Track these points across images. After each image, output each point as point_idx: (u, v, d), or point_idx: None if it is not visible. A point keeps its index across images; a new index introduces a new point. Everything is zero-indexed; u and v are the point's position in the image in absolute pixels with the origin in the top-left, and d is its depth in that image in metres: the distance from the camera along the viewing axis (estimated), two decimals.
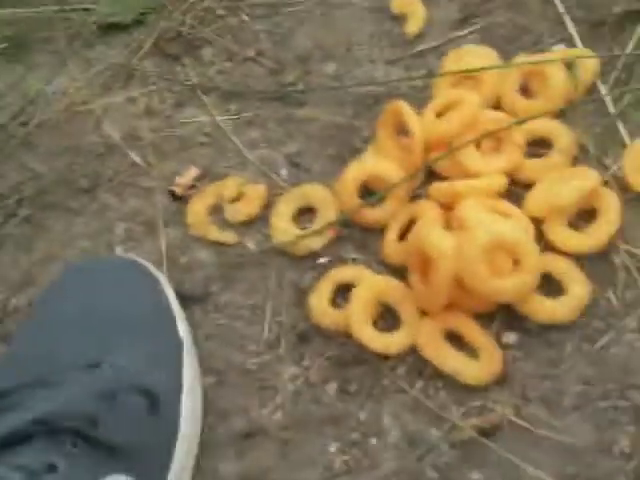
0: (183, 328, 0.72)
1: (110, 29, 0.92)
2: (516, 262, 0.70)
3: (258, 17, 0.91)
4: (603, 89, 0.77)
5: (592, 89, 0.78)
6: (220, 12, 0.92)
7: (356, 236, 0.78)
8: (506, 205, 0.73)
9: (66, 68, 0.90)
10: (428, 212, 0.74)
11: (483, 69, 0.79)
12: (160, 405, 0.62)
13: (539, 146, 0.76)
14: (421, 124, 0.77)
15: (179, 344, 0.70)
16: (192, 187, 0.82)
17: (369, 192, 0.78)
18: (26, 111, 0.88)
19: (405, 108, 0.77)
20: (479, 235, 0.69)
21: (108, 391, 0.61)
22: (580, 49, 0.79)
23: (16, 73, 0.91)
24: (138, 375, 0.63)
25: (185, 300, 0.76)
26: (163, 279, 0.73)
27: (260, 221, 0.80)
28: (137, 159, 0.84)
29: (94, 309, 0.68)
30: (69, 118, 0.87)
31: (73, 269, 0.72)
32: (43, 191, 0.83)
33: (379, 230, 0.77)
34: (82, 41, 0.92)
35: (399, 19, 0.87)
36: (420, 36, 0.86)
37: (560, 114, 0.77)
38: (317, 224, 0.78)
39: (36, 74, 0.90)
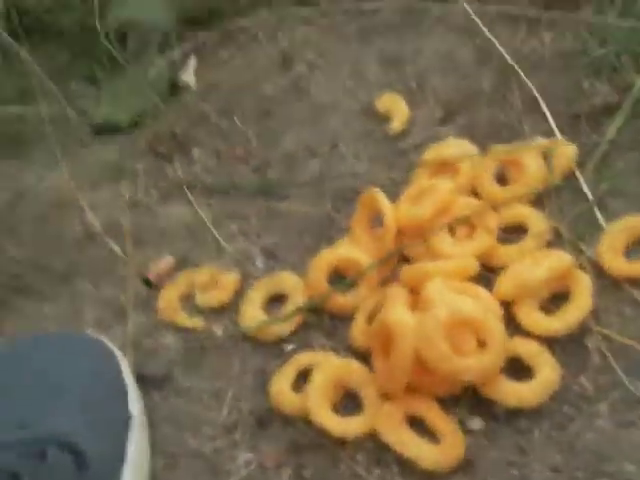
0: (135, 406, 0.69)
1: (106, 130, 0.94)
2: (481, 343, 0.67)
3: (249, 120, 0.93)
4: (580, 177, 0.76)
5: (569, 177, 0.77)
6: (213, 116, 0.94)
7: (325, 323, 0.75)
8: (474, 287, 0.70)
9: (59, 165, 0.92)
10: (396, 295, 0.72)
11: (459, 159, 0.78)
12: (89, 465, 0.59)
13: (514, 232, 0.74)
14: (395, 211, 0.76)
15: (126, 419, 0.67)
16: (166, 275, 0.82)
17: (341, 279, 0.76)
18: (15, 203, 0.89)
19: (379, 195, 0.77)
20: (440, 311, 0.66)
21: (35, 449, 0.59)
22: (558, 139, 0.78)
23: (11, 168, 0.92)
24: (70, 435, 0.60)
25: (145, 382, 0.74)
26: (120, 356, 0.71)
27: (231, 308, 0.78)
28: (116, 248, 0.83)
29: (38, 375, 0.66)
30: (55, 210, 0.88)
31: (26, 339, 0.71)
32: (19, 275, 0.83)
33: (349, 318, 0.75)
34: (78, 140, 0.94)
35: (384, 118, 0.88)
36: (403, 134, 0.86)
37: (537, 201, 0.76)
38: (286, 311, 0.76)
39: (30, 170, 0.92)
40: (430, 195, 0.75)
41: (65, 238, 0.85)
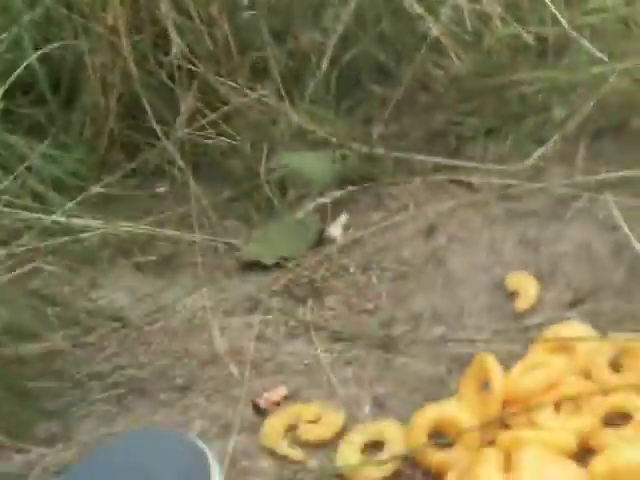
0: None
1: (250, 266, 1.00)
2: None
3: (385, 279, 0.96)
4: None
5: None
6: (352, 269, 0.98)
7: (418, 478, 0.76)
8: (568, 462, 0.70)
9: (200, 291, 0.97)
10: (490, 457, 0.72)
11: (576, 339, 0.79)
12: None
13: (619, 419, 0.74)
14: (505, 379, 0.77)
15: None
16: (277, 405, 0.84)
17: (442, 437, 0.77)
18: (152, 316, 0.95)
19: (491, 360, 0.78)
20: (527, 477, 0.66)
21: None
22: None
23: (157, 285, 0.99)
24: None
25: None
26: (213, 464, 0.74)
27: (330, 447, 0.80)
28: (234, 371, 0.87)
29: (134, 470, 0.69)
30: (187, 329, 0.93)
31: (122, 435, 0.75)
32: (142, 379, 0.87)
33: (442, 475, 0.75)
34: (222, 271, 1.00)
35: (513, 296, 0.90)
36: (529, 313, 0.88)
37: None
38: (382, 456, 0.78)
39: (173, 289, 0.98)
40: (542, 369, 0.77)
41: (190, 355, 0.90)
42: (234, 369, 0.88)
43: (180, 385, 0.87)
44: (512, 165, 1.02)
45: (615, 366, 0.78)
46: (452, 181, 1.04)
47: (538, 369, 0.77)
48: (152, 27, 1.06)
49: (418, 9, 1.04)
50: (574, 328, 0.81)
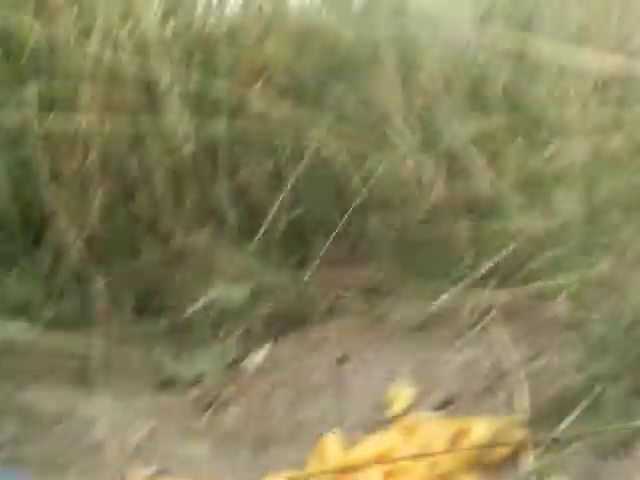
0: None
1: (167, 382, 1.06)
2: None
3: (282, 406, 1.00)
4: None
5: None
6: (262, 388, 1.02)
7: None
8: None
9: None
10: None
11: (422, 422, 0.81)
12: None
13: None
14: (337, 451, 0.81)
15: None
16: None
17: None
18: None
19: (333, 439, 0.81)
20: None
21: None
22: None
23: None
24: None
25: None
26: None
27: None
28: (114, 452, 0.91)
29: None
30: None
31: None
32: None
33: None
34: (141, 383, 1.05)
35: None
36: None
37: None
38: None
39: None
40: (372, 441, 0.79)
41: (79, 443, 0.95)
42: (113, 451, 0.91)
43: (59, 465, 0.91)
44: (425, 304, 1.07)
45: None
46: (372, 319, 1.09)
47: (369, 441, 0.80)
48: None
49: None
50: (424, 415, 0.84)
